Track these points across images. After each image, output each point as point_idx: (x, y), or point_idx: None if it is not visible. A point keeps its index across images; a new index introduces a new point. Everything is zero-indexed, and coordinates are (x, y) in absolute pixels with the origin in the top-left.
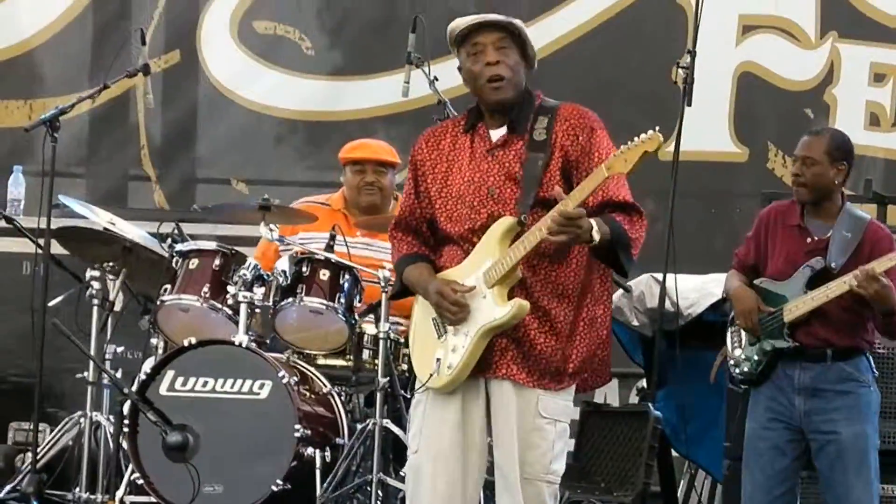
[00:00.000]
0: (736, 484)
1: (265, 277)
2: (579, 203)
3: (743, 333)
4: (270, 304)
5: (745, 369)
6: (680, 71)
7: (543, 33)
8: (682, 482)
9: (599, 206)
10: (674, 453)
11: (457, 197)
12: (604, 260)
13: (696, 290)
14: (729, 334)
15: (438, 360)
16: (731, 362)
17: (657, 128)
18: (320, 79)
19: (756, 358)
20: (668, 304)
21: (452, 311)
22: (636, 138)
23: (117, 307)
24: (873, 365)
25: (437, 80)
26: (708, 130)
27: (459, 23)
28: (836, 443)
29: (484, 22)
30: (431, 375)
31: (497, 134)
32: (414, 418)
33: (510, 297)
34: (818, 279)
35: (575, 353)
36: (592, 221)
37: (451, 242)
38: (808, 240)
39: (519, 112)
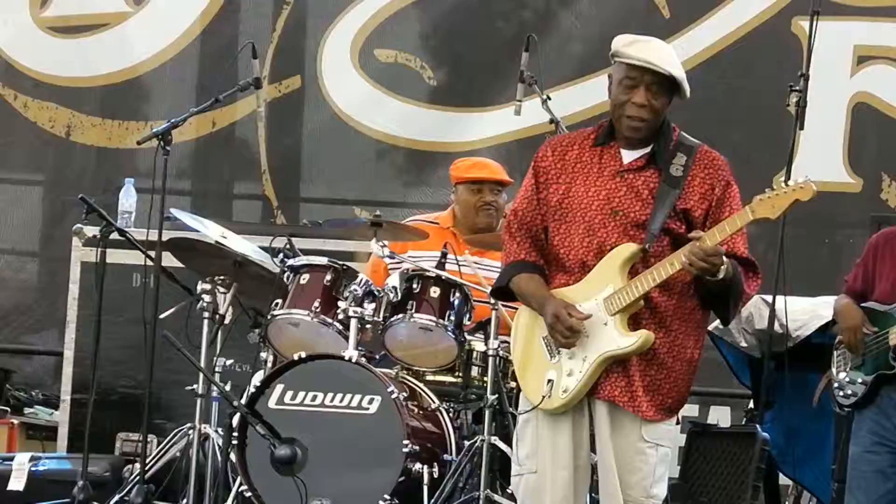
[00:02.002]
0: None
1: (376, 293)
2: (718, 242)
3: (848, 356)
4: (380, 319)
5: (849, 392)
6: (793, 95)
7: None
8: (787, 503)
9: (724, 255)
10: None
11: (576, 211)
12: (708, 303)
13: (805, 313)
14: (834, 357)
15: (550, 381)
16: (836, 385)
17: (807, 176)
18: (440, 109)
19: (860, 381)
20: (776, 326)
21: (566, 335)
22: (786, 184)
23: (227, 320)
24: None
25: (549, 99)
26: (822, 160)
27: (624, 50)
28: None
29: (646, 67)
30: (543, 398)
31: (630, 156)
32: (523, 437)
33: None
34: None
35: (677, 390)
36: (724, 258)
37: (559, 257)
38: None
39: (658, 143)
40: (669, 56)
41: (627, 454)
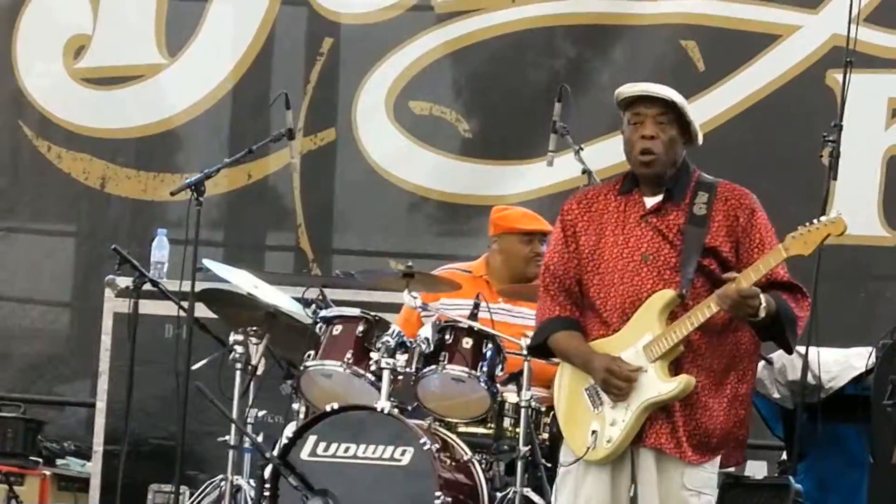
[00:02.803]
0: None
1: (408, 344)
2: (754, 282)
3: None
4: (413, 370)
5: None
6: (826, 145)
7: (693, 116)
8: None
9: (766, 285)
10: None
11: (608, 261)
12: (766, 335)
13: (837, 364)
14: None
15: (594, 432)
16: None
17: (839, 212)
18: (474, 161)
19: None
20: (809, 377)
21: (623, 387)
22: (817, 220)
23: (260, 371)
24: None
25: (582, 149)
26: (857, 214)
27: (623, 90)
28: None
29: (647, 95)
30: (588, 449)
31: (652, 201)
32: (562, 490)
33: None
34: None
35: (720, 428)
36: (762, 297)
37: (596, 308)
38: None
39: (675, 182)
40: (670, 90)
41: (669, 502)
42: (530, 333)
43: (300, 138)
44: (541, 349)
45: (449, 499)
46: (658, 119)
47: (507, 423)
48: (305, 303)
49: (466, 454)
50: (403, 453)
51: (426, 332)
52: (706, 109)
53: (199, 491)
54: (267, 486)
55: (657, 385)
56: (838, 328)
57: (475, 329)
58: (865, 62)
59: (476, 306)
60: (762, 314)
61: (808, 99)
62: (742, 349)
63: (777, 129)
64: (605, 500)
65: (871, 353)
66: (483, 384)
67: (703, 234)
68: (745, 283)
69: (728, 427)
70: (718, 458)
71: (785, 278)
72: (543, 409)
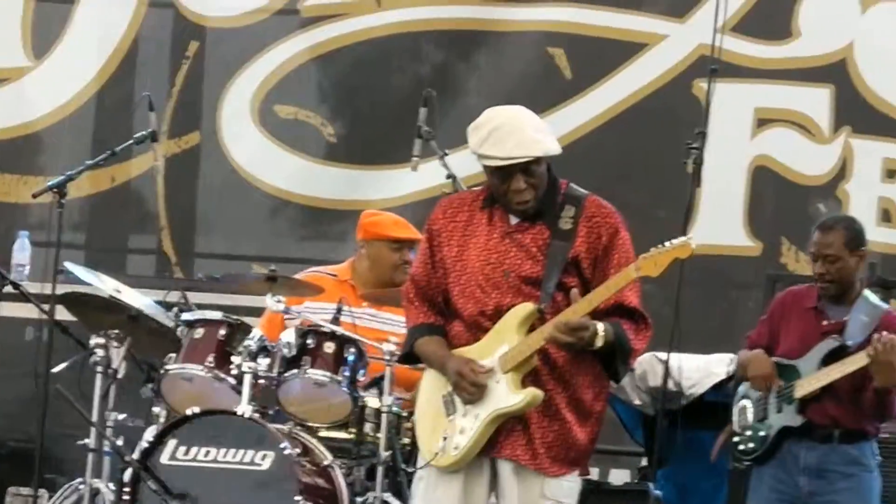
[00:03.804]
0: None
1: (270, 348)
2: (599, 302)
3: (749, 410)
4: (275, 374)
5: (751, 446)
6: (691, 152)
7: (560, 123)
8: None
9: (610, 308)
10: None
11: (470, 274)
12: (600, 361)
13: (698, 371)
14: (736, 410)
15: (445, 438)
16: (736, 439)
17: (690, 235)
18: (339, 166)
19: (762, 434)
20: (670, 384)
21: (471, 391)
22: (667, 243)
23: (120, 374)
24: (877, 451)
25: (447, 154)
26: (722, 223)
27: (483, 152)
28: None
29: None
30: (437, 454)
31: (517, 217)
32: (416, 494)
33: (523, 384)
34: (833, 358)
35: (577, 441)
36: (599, 326)
37: (459, 318)
38: (824, 322)
39: (545, 198)
40: (530, 132)
41: None
42: (393, 339)
43: (164, 141)
44: (410, 357)
45: (309, 503)
46: (527, 169)
47: (368, 427)
48: (167, 306)
49: (327, 459)
50: (264, 458)
51: (288, 336)
52: (573, 118)
53: (58, 494)
54: (126, 490)
55: (506, 397)
56: (700, 335)
57: (337, 333)
58: (732, 71)
59: (339, 311)
60: (599, 343)
61: (675, 108)
62: (600, 369)
63: (644, 138)
64: None
65: (731, 360)
66: (345, 389)
67: (567, 248)
68: (575, 314)
69: (586, 442)
70: (578, 469)
71: (632, 304)
72: (405, 413)
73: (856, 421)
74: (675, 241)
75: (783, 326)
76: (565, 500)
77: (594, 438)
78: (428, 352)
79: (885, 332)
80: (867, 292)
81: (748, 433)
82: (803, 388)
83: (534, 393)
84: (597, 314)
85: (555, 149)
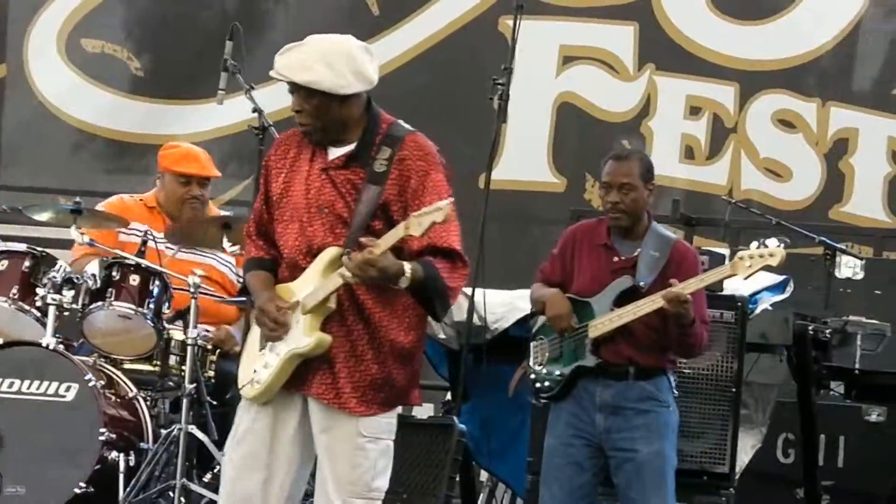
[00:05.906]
0: (537, 498)
1: (75, 280)
2: (383, 251)
3: (545, 348)
4: (79, 307)
5: (547, 384)
6: (496, 88)
7: None
8: (482, 495)
9: (423, 250)
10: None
11: (291, 210)
12: (420, 301)
13: (503, 305)
14: (532, 349)
15: (255, 371)
16: (533, 377)
17: (451, 200)
18: (146, 100)
19: (558, 373)
20: (475, 319)
21: (270, 327)
22: (433, 206)
23: None
24: (674, 385)
25: (253, 88)
26: (527, 158)
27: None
28: (634, 461)
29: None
30: (244, 386)
31: (335, 153)
32: (235, 422)
33: (328, 326)
34: (626, 297)
35: (395, 380)
36: (406, 266)
37: (282, 257)
38: (616, 259)
39: (362, 138)
40: (312, 59)
41: (347, 450)
42: (199, 271)
43: None
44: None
45: (113, 435)
46: (299, 92)
47: (172, 360)
48: None
49: (132, 391)
50: (68, 389)
51: (93, 268)
52: (382, 54)
53: None
54: None
55: (299, 338)
56: (505, 270)
57: (143, 266)
58: (537, 9)
59: (143, 243)
60: (403, 284)
61: (481, 44)
62: (408, 301)
63: (451, 74)
64: (263, 438)
65: None
66: (149, 321)
67: (379, 192)
68: (377, 250)
69: (401, 380)
70: (397, 405)
71: (445, 244)
72: (210, 347)
73: (651, 357)
74: (437, 204)
75: (575, 262)
76: (383, 435)
77: (414, 376)
78: (251, 285)
79: (673, 281)
80: (656, 225)
81: (544, 372)
82: (597, 329)
83: (321, 338)
84: (411, 255)
85: (327, 86)
